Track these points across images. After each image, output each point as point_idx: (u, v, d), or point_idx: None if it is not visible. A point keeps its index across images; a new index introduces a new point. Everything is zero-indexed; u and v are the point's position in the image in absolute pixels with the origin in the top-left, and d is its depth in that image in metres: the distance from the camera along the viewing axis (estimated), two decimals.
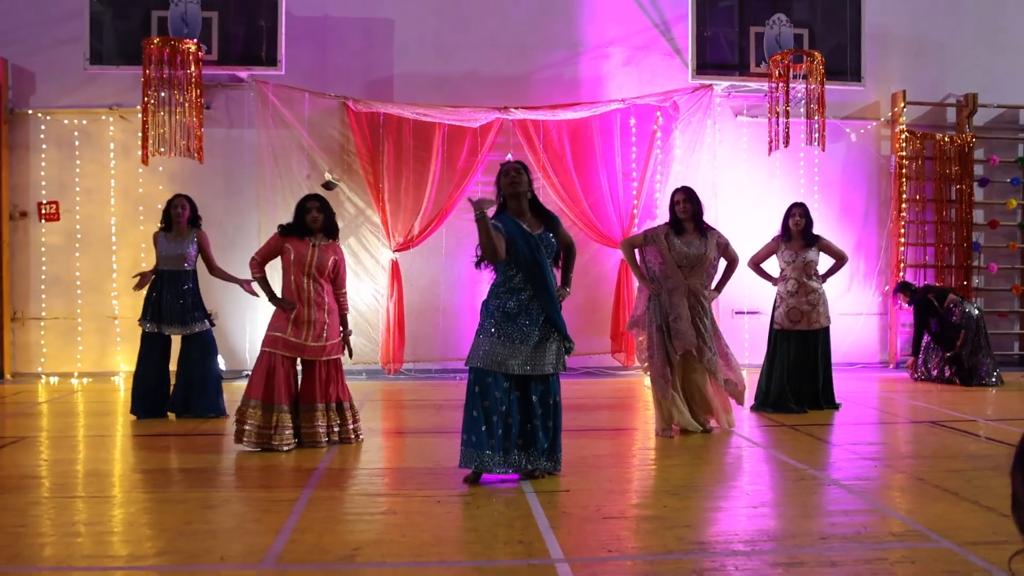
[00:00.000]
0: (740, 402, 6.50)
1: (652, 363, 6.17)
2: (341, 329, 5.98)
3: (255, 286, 6.13)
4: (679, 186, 6.49)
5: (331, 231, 5.95)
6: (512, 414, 4.71)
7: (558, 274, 4.99)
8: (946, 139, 10.75)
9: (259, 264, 5.87)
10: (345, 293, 6.06)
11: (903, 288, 9.78)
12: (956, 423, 6.77)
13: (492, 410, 4.65)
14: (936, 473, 5.12)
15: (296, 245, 5.78)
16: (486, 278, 4.98)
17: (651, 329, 6.18)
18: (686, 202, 6.22)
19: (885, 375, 10.13)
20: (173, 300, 6.93)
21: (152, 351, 7.00)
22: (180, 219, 6.98)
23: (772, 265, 7.54)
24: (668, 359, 6.13)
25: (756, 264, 7.47)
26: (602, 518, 4.09)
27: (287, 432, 5.66)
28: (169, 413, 7.03)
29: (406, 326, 9.71)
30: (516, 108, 9.74)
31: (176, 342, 7.12)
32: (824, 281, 7.42)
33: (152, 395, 6.99)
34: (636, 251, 6.38)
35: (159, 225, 7.12)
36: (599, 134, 9.96)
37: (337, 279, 5.98)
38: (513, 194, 4.80)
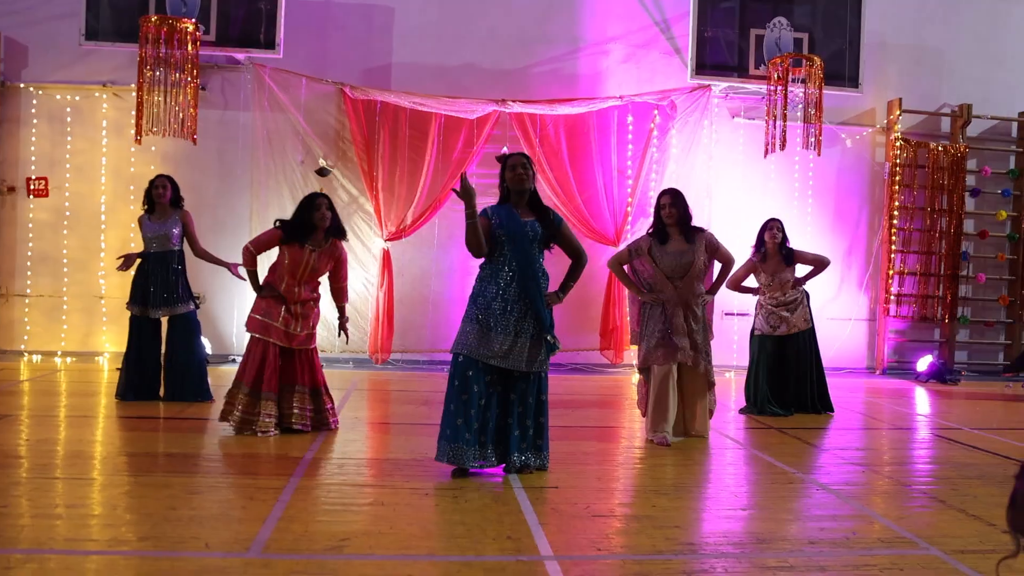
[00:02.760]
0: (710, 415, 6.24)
1: (652, 373, 5.93)
2: (339, 317, 5.96)
3: (241, 271, 6.04)
4: (665, 189, 6.10)
5: (338, 231, 5.82)
6: (491, 408, 4.70)
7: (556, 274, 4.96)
8: (940, 148, 10.80)
9: (254, 255, 5.75)
10: (345, 287, 5.99)
11: None
12: (942, 431, 6.79)
13: (471, 404, 4.63)
14: (922, 480, 5.15)
15: (293, 252, 5.64)
16: (477, 269, 4.95)
17: (651, 339, 5.90)
18: (672, 206, 5.82)
19: (872, 381, 10.17)
20: (160, 281, 6.85)
21: (141, 335, 6.91)
22: (162, 199, 6.89)
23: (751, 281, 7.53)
24: (669, 370, 5.87)
25: (736, 284, 7.25)
26: (591, 516, 4.07)
27: (269, 419, 5.62)
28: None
29: (395, 316, 9.67)
30: (514, 101, 9.70)
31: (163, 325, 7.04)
32: (803, 283, 7.32)
33: (142, 379, 6.90)
34: (625, 266, 6.06)
35: (143, 208, 7.02)
36: (596, 130, 9.95)
37: (339, 272, 5.90)
38: (518, 191, 4.78)
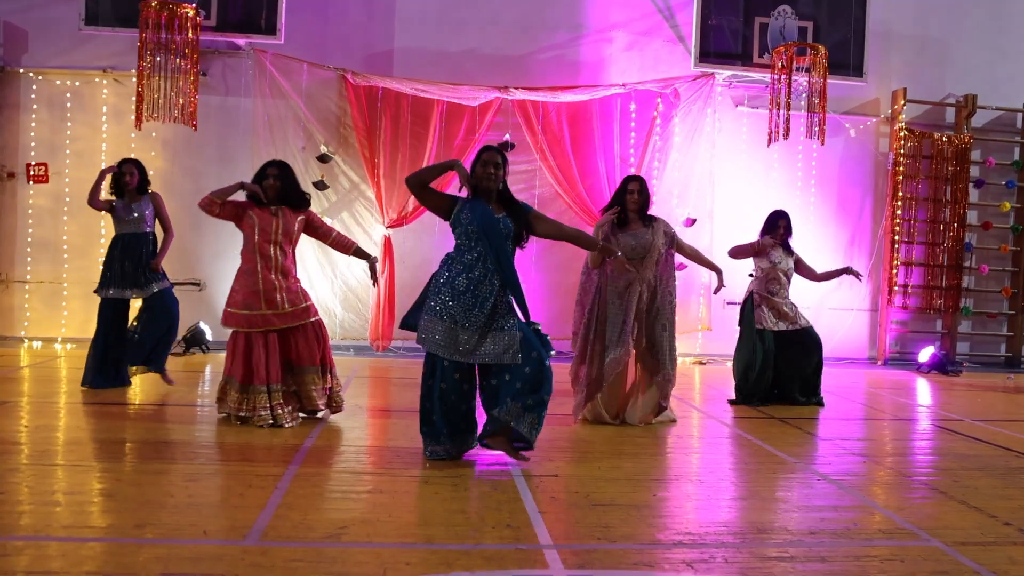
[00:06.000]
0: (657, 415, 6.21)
1: (585, 364, 6.02)
2: (369, 265, 5.78)
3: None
4: (632, 175, 6.30)
5: (293, 201, 5.66)
6: (465, 399, 4.68)
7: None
8: (944, 139, 10.73)
9: (212, 199, 5.53)
10: (339, 234, 5.90)
11: None
12: (943, 422, 6.77)
13: (445, 397, 4.64)
14: (924, 471, 5.13)
15: (259, 213, 5.56)
16: None
17: (589, 334, 5.98)
18: (639, 193, 6.00)
19: (873, 371, 10.15)
20: (132, 264, 6.74)
21: (112, 319, 6.79)
22: (129, 185, 6.80)
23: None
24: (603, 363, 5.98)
25: (736, 255, 7.30)
26: (591, 505, 4.06)
27: (265, 412, 5.49)
28: (131, 368, 6.85)
29: (396, 303, 9.64)
30: (516, 88, 9.65)
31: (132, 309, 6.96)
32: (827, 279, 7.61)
33: (112, 365, 6.81)
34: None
35: (110, 193, 6.86)
36: (598, 118, 9.90)
37: (320, 230, 5.82)
38: (485, 188, 4.70)
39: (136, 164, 6.91)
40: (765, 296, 7.23)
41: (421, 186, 4.65)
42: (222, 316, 5.68)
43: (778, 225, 7.26)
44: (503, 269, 4.62)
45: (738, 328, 7.46)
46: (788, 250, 7.32)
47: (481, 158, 4.72)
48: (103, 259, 6.94)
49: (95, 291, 6.87)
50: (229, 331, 5.73)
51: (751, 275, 7.41)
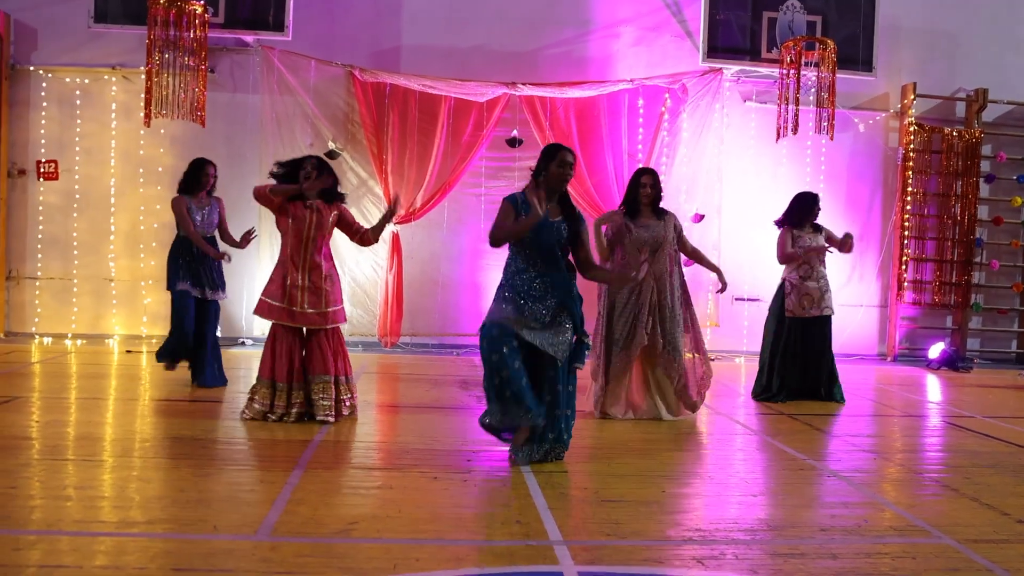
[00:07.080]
0: (693, 411, 6.24)
1: (600, 358, 6.09)
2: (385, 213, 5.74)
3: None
4: (645, 167, 6.36)
5: (329, 195, 5.65)
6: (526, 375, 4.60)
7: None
8: (954, 133, 10.68)
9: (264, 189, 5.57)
10: (364, 232, 5.87)
11: None
12: (954, 418, 6.74)
13: (515, 373, 4.49)
14: (935, 468, 5.11)
15: (295, 208, 5.54)
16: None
17: (617, 344, 6.04)
18: (652, 187, 6.06)
19: (883, 368, 10.11)
20: (209, 264, 6.77)
21: (195, 312, 6.77)
22: (207, 184, 6.78)
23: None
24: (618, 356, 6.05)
25: (789, 258, 7.20)
26: (600, 501, 4.06)
27: (280, 409, 5.51)
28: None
29: (405, 299, 9.66)
30: (524, 84, 9.64)
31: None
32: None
33: (187, 348, 6.82)
34: (603, 227, 6.24)
35: (187, 190, 6.78)
36: (606, 114, 9.88)
37: (352, 227, 5.80)
38: (556, 190, 4.68)
39: (215, 166, 6.91)
40: (796, 283, 7.20)
41: (502, 241, 4.62)
42: (256, 305, 5.69)
43: (814, 211, 7.19)
44: (550, 269, 4.61)
45: (764, 318, 7.48)
46: (817, 229, 7.25)
47: (557, 157, 4.62)
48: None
49: (167, 287, 6.79)
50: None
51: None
